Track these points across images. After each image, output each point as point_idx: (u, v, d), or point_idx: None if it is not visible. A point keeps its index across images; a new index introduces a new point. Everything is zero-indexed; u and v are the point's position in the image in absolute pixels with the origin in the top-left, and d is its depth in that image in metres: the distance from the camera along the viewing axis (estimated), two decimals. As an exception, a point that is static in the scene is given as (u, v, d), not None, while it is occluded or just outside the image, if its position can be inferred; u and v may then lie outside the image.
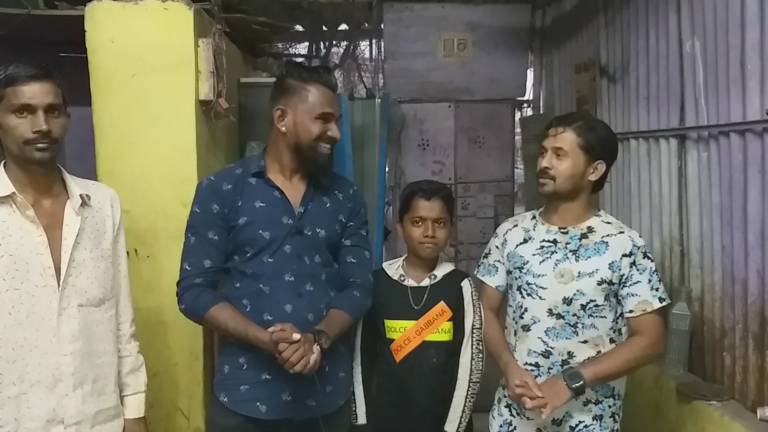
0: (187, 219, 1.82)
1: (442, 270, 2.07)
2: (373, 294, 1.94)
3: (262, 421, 1.76)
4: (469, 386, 1.98)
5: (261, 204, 1.78)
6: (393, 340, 2.00)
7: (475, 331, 2.01)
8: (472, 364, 1.99)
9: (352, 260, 1.90)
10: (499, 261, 2.02)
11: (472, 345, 2.00)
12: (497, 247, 2.03)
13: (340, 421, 1.90)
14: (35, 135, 1.49)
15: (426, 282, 2.04)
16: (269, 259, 1.76)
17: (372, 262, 2.05)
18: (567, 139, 1.80)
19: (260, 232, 1.76)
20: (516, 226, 2.00)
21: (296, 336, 1.59)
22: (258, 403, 1.75)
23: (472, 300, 2.03)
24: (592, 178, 1.83)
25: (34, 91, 1.49)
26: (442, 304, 2.00)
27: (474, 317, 2.02)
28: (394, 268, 2.09)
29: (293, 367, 1.58)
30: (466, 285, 2.05)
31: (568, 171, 1.81)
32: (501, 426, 1.96)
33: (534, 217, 1.97)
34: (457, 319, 2.02)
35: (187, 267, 1.78)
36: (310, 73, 1.79)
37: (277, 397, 1.76)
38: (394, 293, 2.03)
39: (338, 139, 1.82)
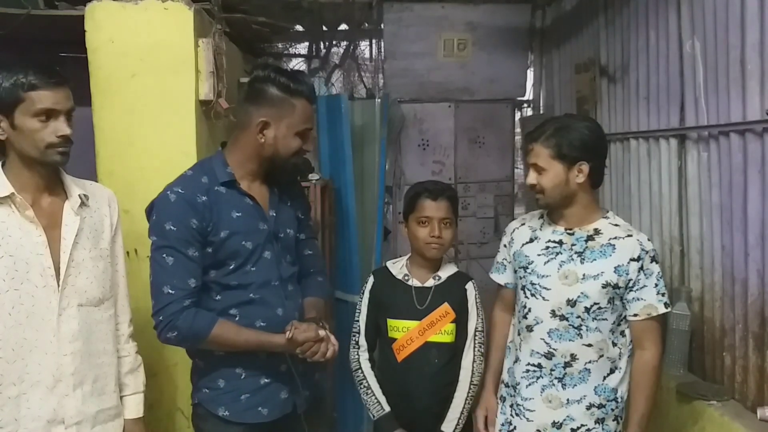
0: (151, 237, 1.68)
1: (446, 271, 2.07)
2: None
3: (264, 424, 1.76)
4: (469, 388, 1.98)
5: (237, 214, 1.72)
6: (395, 339, 2.00)
7: (477, 333, 2.02)
8: (473, 366, 2.00)
9: (309, 252, 1.96)
10: (506, 259, 2.04)
11: (474, 348, 2.01)
12: (505, 245, 2.04)
13: (323, 410, 2.00)
14: (59, 139, 1.51)
15: (430, 283, 2.04)
16: (252, 268, 1.73)
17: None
18: (540, 154, 1.80)
19: (243, 243, 1.71)
20: (524, 224, 2.00)
21: (322, 333, 1.70)
22: (260, 408, 1.75)
23: (476, 303, 2.04)
24: (579, 180, 1.79)
25: (58, 97, 1.51)
26: (446, 306, 2.00)
27: (477, 320, 2.03)
28: (398, 267, 2.09)
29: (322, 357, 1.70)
30: (470, 288, 2.05)
31: (550, 183, 1.80)
32: (502, 425, 1.97)
33: (542, 217, 1.96)
34: (460, 321, 2.02)
35: (170, 290, 1.63)
36: (296, 84, 1.71)
37: (277, 397, 1.77)
38: (398, 293, 2.03)
39: (310, 151, 1.84)
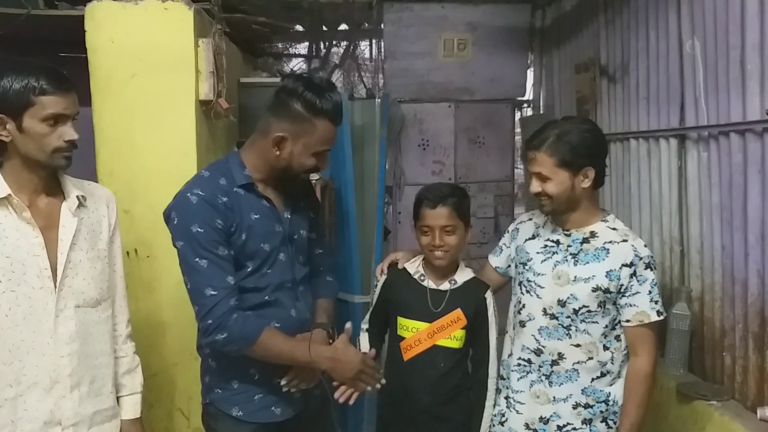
0: (178, 242, 1.66)
1: (463, 276, 2.03)
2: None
3: (276, 423, 1.78)
4: (495, 397, 2.01)
5: (256, 216, 1.72)
6: (403, 338, 2.00)
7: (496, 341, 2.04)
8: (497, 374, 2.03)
9: (320, 251, 1.98)
10: (506, 245, 2.07)
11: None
12: (508, 231, 2.08)
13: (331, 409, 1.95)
14: (66, 144, 1.51)
15: (446, 286, 2.01)
16: (268, 270, 1.74)
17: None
18: (542, 162, 1.78)
19: (261, 245, 1.72)
20: (531, 219, 2.02)
21: (370, 363, 1.79)
22: (273, 407, 1.77)
23: (494, 312, 2.04)
24: (585, 185, 1.79)
25: (68, 102, 1.51)
26: (458, 312, 1.97)
27: (496, 328, 2.04)
28: (414, 266, 2.05)
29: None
30: (489, 297, 2.03)
31: (556, 191, 1.78)
32: (495, 415, 2.00)
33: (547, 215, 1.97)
34: (471, 329, 2.00)
35: (213, 292, 1.61)
36: (322, 103, 1.66)
37: (289, 396, 1.78)
38: (413, 292, 2.01)
39: (325, 170, 1.83)
